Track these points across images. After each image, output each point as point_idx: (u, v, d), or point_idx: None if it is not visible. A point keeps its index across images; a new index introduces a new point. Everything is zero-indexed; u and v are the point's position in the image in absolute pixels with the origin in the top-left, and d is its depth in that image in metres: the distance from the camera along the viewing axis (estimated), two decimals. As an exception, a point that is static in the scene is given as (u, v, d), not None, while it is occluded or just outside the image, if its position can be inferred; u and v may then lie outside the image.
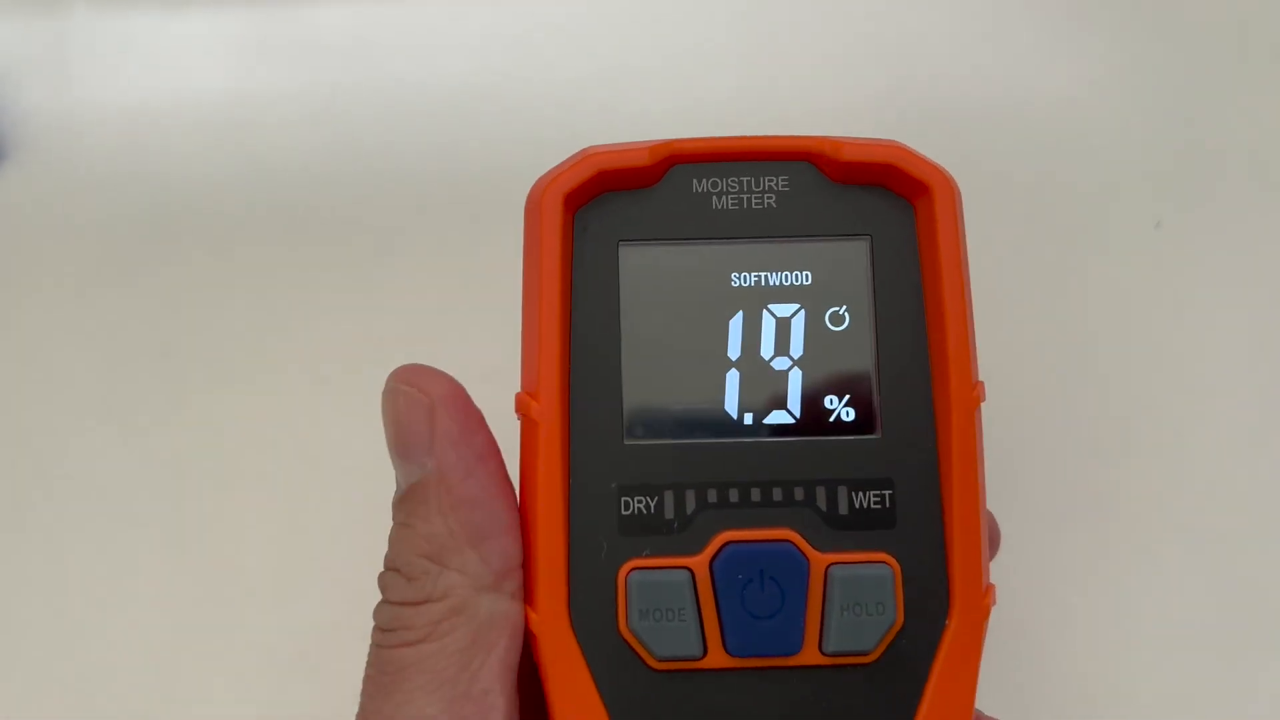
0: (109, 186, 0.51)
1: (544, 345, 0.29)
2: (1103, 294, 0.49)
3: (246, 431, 0.49)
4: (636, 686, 0.29)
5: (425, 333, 0.48)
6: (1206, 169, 0.51)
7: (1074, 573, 0.47)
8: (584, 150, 0.30)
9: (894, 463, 0.29)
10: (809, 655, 0.29)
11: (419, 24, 0.53)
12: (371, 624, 0.29)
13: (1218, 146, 0.51)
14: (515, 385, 0.30)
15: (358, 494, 0.44)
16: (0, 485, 0.49)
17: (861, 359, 0.30)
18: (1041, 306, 0.49)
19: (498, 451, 0.29)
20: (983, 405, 0.30)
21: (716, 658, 0.29)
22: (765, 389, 0.30)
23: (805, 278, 0.30)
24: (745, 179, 0.30)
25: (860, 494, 0.29)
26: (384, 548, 0.30)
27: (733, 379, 0.30)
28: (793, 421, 0.30)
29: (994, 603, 0.29)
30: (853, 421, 0.30)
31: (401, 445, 0.29)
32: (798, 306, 0.30)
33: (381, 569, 0.29)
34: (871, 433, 0.30)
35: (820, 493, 0.29)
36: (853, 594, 0.29)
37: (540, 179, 0.30)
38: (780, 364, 0.30)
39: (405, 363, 0.30)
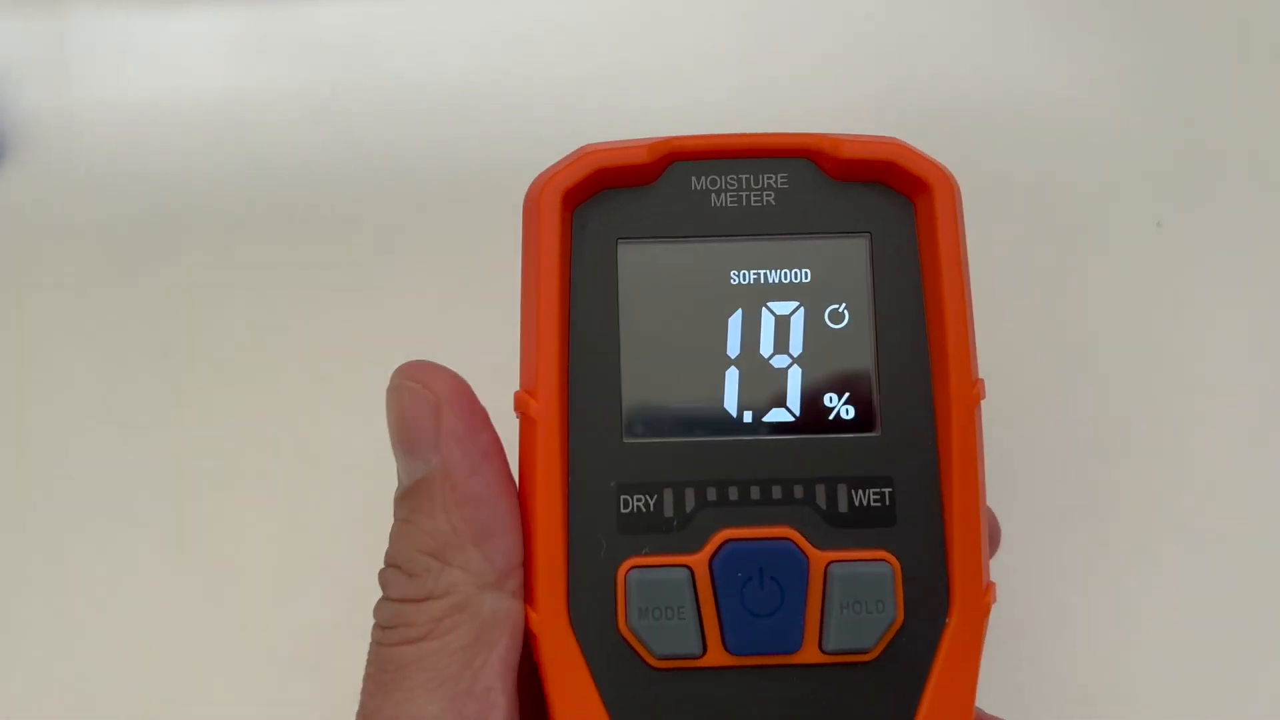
0: (109, 185, 0.51)
1: (543, 343, 0.29)
2: (1103, 293, 0.49)
3: (247, 431, 0.49)
4: (636, 685, 0.29)
5: (425, 331, 0.48)
6: (1206, 169, 0.51)
7: (1074, 572, 0.47)
8: (583, 148, 0.30)
9: (894, 461, 0.29)
10: (809, 653, 0.29)
11: (419, 22, 0.53)
12: (371, 622, 0.29)
13: (1218, 146, 0.51)
14: (514, 383, 0.30)
15: (357, 493, 0.44)
16: (0, 485, 0.49)
17: (861, 357, 0.30)
18: (1042, 306, 0.49)
19: (502, 450, 0.29)
20: (983, 405, 0.30)
21: (716, 656, 0.29)
22: (764, 387, 0.30)
23: (804, 275, 0.30)
24: (744, 176, 0.30)
25: (860, 492, 0.29)
26: (384, 547, 0.29)
27: (732, 377, 0.30)
28: (792, 419, 0.30)
29: (994, 601, 0.29)
30: (852, 419, 0.30)
31: (406, 441, 0.29)
32: (797, 304, 0.30)
33: (381, 567, 0.29)
34: (871, 430, 0.30)
35: (820, 491, 0.29)
36: (852, 592, 0.29)
37: (539, 177, 0.30)
38: (779, 362, 0.30)
39: (405, 361, 0.30)
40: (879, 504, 0.29)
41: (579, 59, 0.52)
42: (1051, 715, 0.46)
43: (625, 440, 0.29)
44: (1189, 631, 0.46)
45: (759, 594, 0.29)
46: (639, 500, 0.29)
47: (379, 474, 0.36)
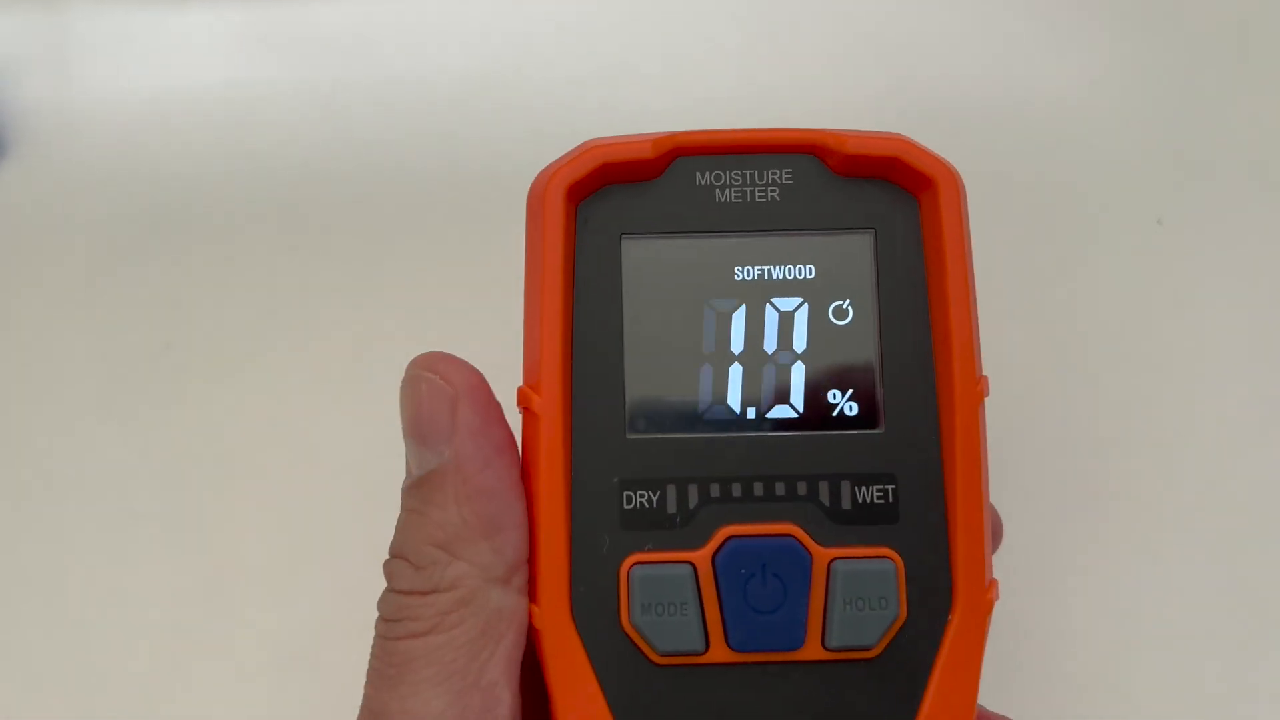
0: (109, 182, 0.51)
1: (546, 339, 0.29)
2: (1103, 291, 0.49)
3: (246, 426, 0.49)
4: (638, 681, 0.29)
5: (426, 329, 0.48)
6: (1206, 167, 0.51)
7: (1075, 569, 0.47)
8: (587, 143, 0.30)
9: (897, 458, 0.29)
10: (811, 650, 0.29)
11: (420, 20, 0.53)
12: (373, 617, 0.29)
13: (1218, 145, 0.51)
14: (517, 379, 0.30)
15: (357, 488, 0.44)
16: (0, 481, 0.49)
17: (865, 353, 0.30)
18: (1042, 304, 0.49)
19: (515, 446, 0.29)
20: (985, 403, 0.30)
21: (719, 652, 0.29)
22: (768, 383, 0.30)
23: (809, 271, 0.30)
24: (749, 172, 0.30)
25: (863, 488, 0.29)
26: (385, 543, 0.29)
27: (735, 373, 0.30)
28: (795, 416, 0.30)
29: (997, 598, 0.29)
30: (856, 416, 0.30)
31: (420, 432, 0.29)
32: (801, 300, 0.30)
33: (385, 559, 0.29)
34: (874, 427, 0.30)
35: (823, 487, 0.29)
36: (855, 588, 0.29)
37: (542, 171, 0.30)
38: (783, 358, 0.30)
39: (405, 357, 0.30)
40: (882, 501, 0.29)
41: (581, 57, 0.52)
42: (1053, 712, 0.46)
43: (628, 436, 0.29)
44: (1190, 629, 0.46)
45: (762, 590, 0.29)
46: (642, 496, 0.29)
47: (378, 469, 0.36)
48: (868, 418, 0.30)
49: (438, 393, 0.29)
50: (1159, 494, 0.47)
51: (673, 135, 0.30)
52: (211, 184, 0.51)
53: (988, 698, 0.32)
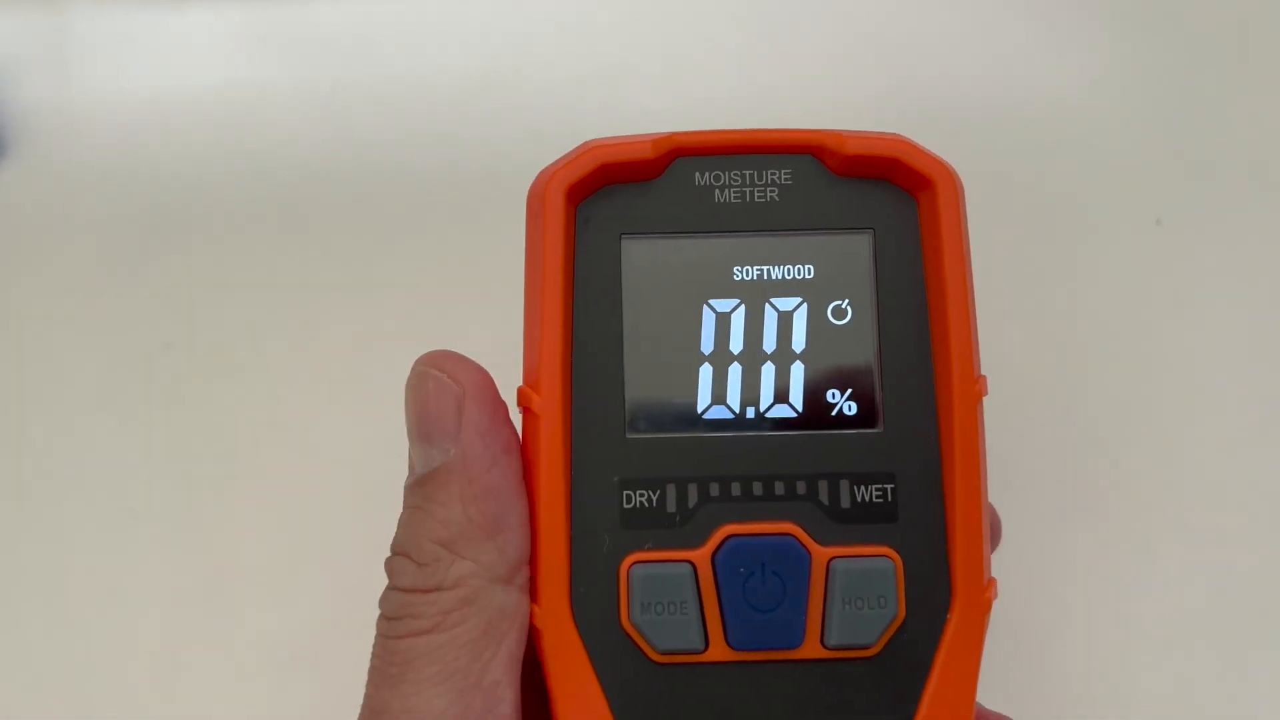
0: (109, 182, 0.51)
1: (546, 338, 0.29)
2: (1102, 291, 0.49)
3: (247, 426, 0.49)
4: (638, 679, 0.29)
5: (426, 328, 0.48)
6: (1206, 167, 0.51)
7: (1073, 568, 0.47)
8: (586, 143, 0.30)
9: (896, 457, 0.30)
10: (810, 649, 0.29)
11: (420, 20, 0.53)
12: (374, 616, 0.29)
13: (1217, 145, 0.51)
14: (517, 379, 0.30)
15: (358, 488, 0.45)
16: (0, 480, 0.49)
17: (864, 353, 0.30)
18: (1041, 303, 0.49)
19: (519, 446, 0.29)
20: (985, 402, 0.30)
21: (718, 651, 0.29)
22: (767, 383, 0.30)
23: (808, 271, 0.30)
24: (748, 172, 0.30)
25: (862, 488, 0.29)
26: (386, 542, 0.29)
27: (735, 373, 0.30)
28: (795, 415, 0.30)
29: (996, 597, 0.29)
30: (855, 415, 0.30)
31: (426, 429, 0.29)
32: (800, 300, 0.30)
33: (386, 557, 0.29)
34: (873, 426, 0.30)
35: (822, 486, 0.29)
36: (854, 587, 0.29)
37: (542, 172, 0.30)
38: (782, 358, 0.30)
39: (405, 356, 0.30)
40: (881, 500, 0.29)
41: (581, 57, 0.52)
42: (1052, 712, 0.46)
43: (628, 435, 0.29)
44: (1188, 628, 0.46)
45: (761, 589, 0.29)
46: (641, 495, 0.29)
47: (379, 469, 0.36)
48: (867, 417, 0.30)
49: (445, 390, 0.29)
50: (1158, 493, 0.48)
51: (672, 136, 0.30)
52: (211, 184, 0.51)
53: (987, 696, 0.32)
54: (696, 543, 0.29)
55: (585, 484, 0.29)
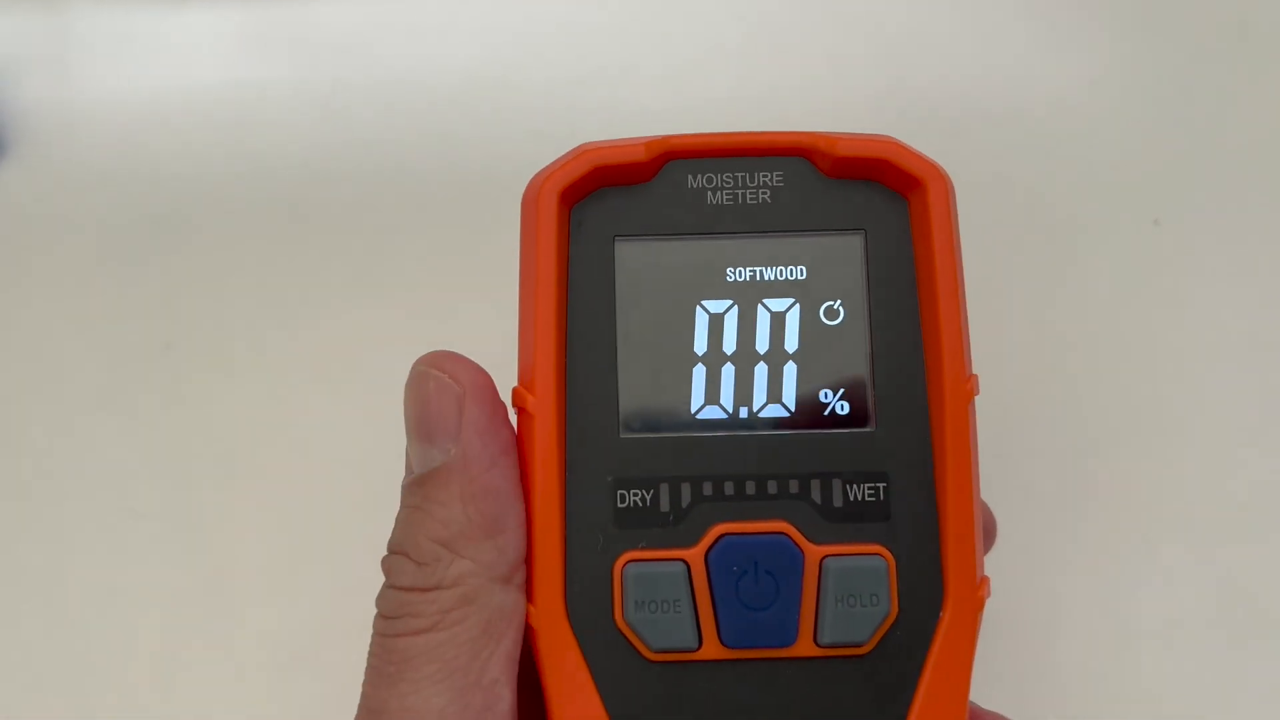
0: (109, 181, 0.51)
1: (540, 339, 0.29)
2: (1101, 291, 0.49)
3: (247, 425, 0.49)
4: (632, 677, 0.29)
5: (425, 328, 0.48)
6: (1205, 168, 0.51)
7: (1068, 567, 0.47)
8: (580, 146, 0.30)
9: (888, 456, 0.30)
10: (803, 647, 0.29)
11: (419, 20, 0.53)
12: (371, 615, 0.29)
13: (1216, 145, 0.51)
14: (512, 379, 0.30)
15: (358, 488, 0.45)
16: (1, 480, 0.49)
17: (856, 353, 0.30)
18: (1040, 303, 0.49)
19: (516, 447, 0.30)
20: (981, 402, 0.30)
21: (712, 649, 0.29)
22: (760, 383, 0.30)
23: (800, 272, 0.30)
24: (740, 174, 0.30)
25: (855, 486, 0.29)
26: (384, 541, 0.30)
27: (728, 373, 0.30)
28: (787, 415, 0.30)
29: (988, 595, 0.29)
30: (847, 415, 0.30)
31: (426, 429, 0.29)
32: (792, 301, 0.30)
33: (384, 555, 0.29)
34: (866, 426, 0.30)
35: (815, 485, 0.29)
36: (847, 586, 0.29)
37: (537, 174, 0.30)
38: (775, 358, 0.30)
39: (403, 356, 0.30)
40: (874, 499, 0.29)
41: (581, 57, 0.52)
42: (1045, 710, 0.46)
43: (622, 435, 0.30)
44: (1185, 627, 0.46)
45: (754, 588, 0.29)
46: (635, 495, 0.29)
47: (378, 468, 0.36)
48: (859, 416, 0.30)
49: (445, 390, 0.29)
50: (1153, 493, 0.48)
51: (665, 139, 0.30)
52: (211, 184, 0.51)
53: (983, 695, 0.32)
54: (690, 542, 0.29)
55: (579, 483, 0.29)
